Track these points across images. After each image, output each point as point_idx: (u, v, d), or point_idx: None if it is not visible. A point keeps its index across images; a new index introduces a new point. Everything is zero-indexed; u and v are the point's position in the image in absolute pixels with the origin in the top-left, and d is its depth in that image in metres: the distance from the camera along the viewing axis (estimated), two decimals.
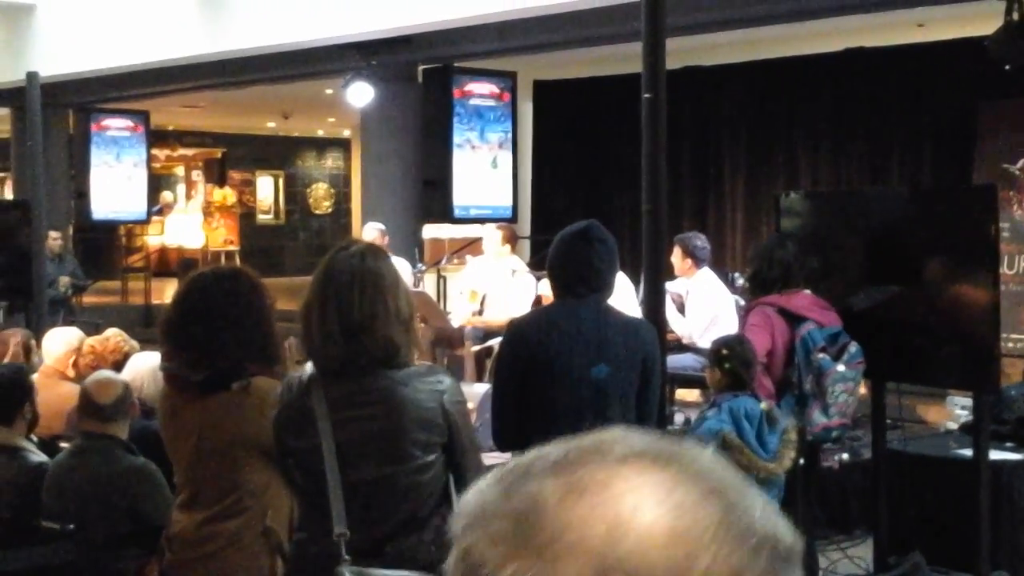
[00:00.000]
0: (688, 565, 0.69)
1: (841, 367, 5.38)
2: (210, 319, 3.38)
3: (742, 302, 8.36)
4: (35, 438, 5.03)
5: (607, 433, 0.79)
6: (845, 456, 6.65)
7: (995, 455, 5.88)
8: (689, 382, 8.35)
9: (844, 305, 5.71)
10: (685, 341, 8.20)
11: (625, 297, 8.08)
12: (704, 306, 8.28)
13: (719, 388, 5.04)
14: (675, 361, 7.78)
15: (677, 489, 0.72)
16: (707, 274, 8.47)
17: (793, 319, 5.48)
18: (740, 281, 8.43)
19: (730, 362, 4.97)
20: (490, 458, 3.76)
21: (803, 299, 5.59)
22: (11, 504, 4.63)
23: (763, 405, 4.92)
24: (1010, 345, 9.35)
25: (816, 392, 5.37)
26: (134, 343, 6.31)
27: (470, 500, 0.81)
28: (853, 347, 5.45)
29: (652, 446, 0.77)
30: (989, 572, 5.54)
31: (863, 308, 5.74)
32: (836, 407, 5.39)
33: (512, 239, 9.82)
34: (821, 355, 5.38)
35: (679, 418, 7.24)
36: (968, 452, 5.89)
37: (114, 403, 4.59)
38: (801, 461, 5.24)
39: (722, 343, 5.16)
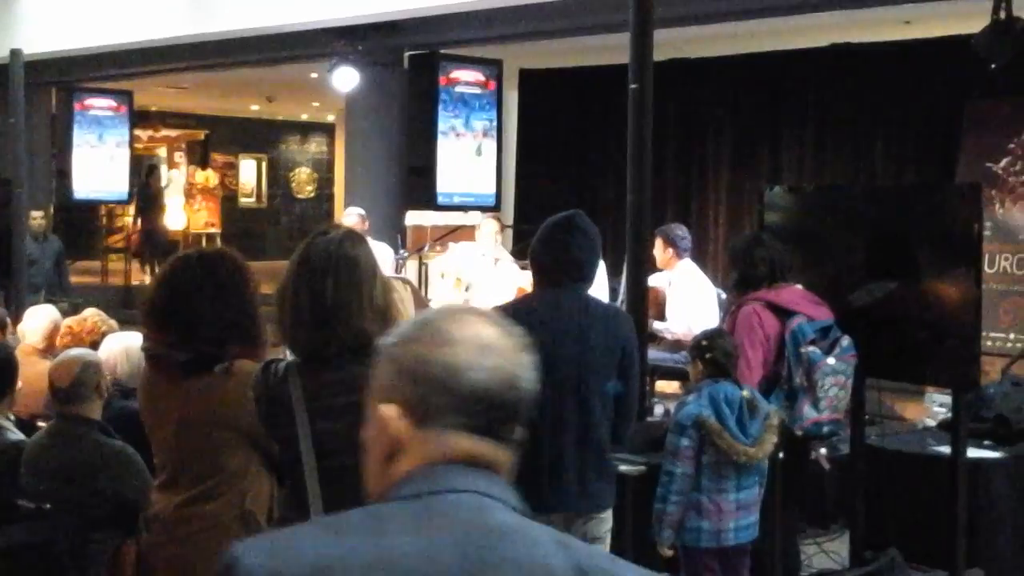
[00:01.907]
0: (511, 347, 1.60)
1: (832, 360, 5.32)
2: (193, 301, 3.36)
3: (724, 295, 8.35)
4: (12, 416, 5.00)
5: (449, 307, 1.72)
6: (843, 448, 6.43)
7: (973, 453, 5.90)
8: (669, 373, 8.35)
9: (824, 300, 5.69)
10: (680, 336, 8.10)
11: (599, 285, 8.06)
12: (687, 297, 8.27)
13: (699, 379, 5.02)
14: (656, 352, 7.76)
15: (494, 323, 1.61)
16: (689, 265, 8.46)
17: (782, 313, 5.44)
18: (723, 296, 8.34)
19: (712, 352, 4.95)
20: None
21: (792, 293, 5.55)
22: None
23: (745, 392, 4.88)
24: (989, 343, 9.38)
25: (806, 386, 5.30)
26: (112, 323, 6.27)
27: (398, 332, 1.64)
28: (845, 341, 5.40)
29: (473, 308, 1.65)
30: (965, 570, 5.56)
31: (843, 304, 5.73)
32: (827, 401, 5.31)
33: (503, 230, 9.87)
34: (811, 348, 5.31)
35: (659, 410, 7.21)
36: (946, 449, 5.89)
37: (71, 385, 4.51)
38: (780, 455, 5.22)
39: (703, 337, 5.13)
